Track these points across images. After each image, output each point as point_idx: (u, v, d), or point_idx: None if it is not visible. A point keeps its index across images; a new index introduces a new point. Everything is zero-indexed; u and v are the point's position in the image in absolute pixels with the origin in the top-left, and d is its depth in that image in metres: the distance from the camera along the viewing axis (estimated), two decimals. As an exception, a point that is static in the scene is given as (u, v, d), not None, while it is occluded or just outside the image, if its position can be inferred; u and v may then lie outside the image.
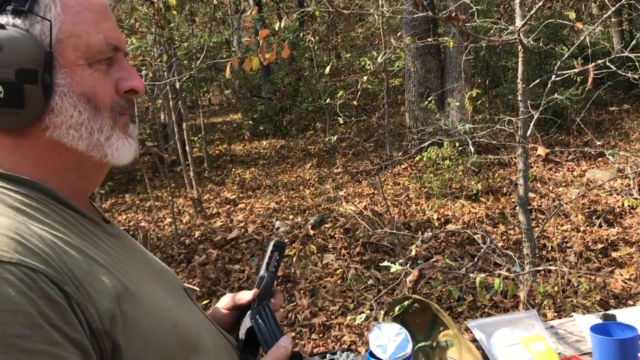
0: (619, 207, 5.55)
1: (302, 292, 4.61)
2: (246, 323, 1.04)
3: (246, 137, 12.73)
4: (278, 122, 12.42)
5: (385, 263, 2.46)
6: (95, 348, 0.67)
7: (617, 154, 4.96)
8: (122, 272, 0.77)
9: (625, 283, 4.20)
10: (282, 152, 10.80)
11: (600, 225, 5.22)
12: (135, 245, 0.97)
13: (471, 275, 2.56)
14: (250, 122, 12.88)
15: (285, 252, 1.19)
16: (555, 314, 3.41)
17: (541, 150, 2.62)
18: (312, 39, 9.77)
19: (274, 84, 13.07)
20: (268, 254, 1.14)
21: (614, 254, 4.67)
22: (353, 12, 2.98)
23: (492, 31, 2.89)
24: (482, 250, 2.68)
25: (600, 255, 4.69)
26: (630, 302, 3.89)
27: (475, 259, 2.77)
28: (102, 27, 0.81)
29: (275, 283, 1.17)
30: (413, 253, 2.51)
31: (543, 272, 3.85)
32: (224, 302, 1.13)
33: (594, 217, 5.39)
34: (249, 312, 1.06)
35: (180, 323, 0.81)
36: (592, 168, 6.91)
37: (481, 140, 2.96)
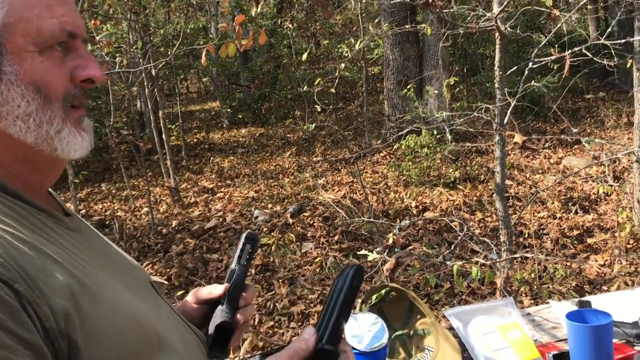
0: (594, 193, 5.62)
1: (280, 280, 4.59)
2: (216, 319, 1.00)
3: (224, 126, 12.62)
4: (257, 110, 12.32)
5: (363, 251, 2.44)
6: (50, 348, 0.64)
7: (592, 141, 5.01)
8: (79, 268, 0.73)
9: (600, 269, 4.26)
10: (261, 141, 10.73)
11: (576, 212, 5.28)
12: (97, 239, 0.93)
13: (448, 263, 2.56)
14: (229, 110, 12.77)
15: (258, 244, 1.16)
16: (532, 301, 3.44)
17: (518, 138, 2.62)
18: (290, 25, 9.67)
19: (253, 72, 12.96)
20: (240, 246, 1.11)
21: (589, 240, 4.73)
22: (329, -3, 2.94)
23: (469, 18, 2.88)
24: (460, 237, 2.68)
25: (576, 242, 4.75)
26: (605, 288, 3.94)
27: (453, 246, 2.78)
28: (57, 11, 0.75)
29: (247, 276, 1.14)
30: (390, 241, 2.50)
31: (520, 258, 3.89)
32: (194, 296, 1.09)
33: (569, 204, 5.45)
34: (219, 307, 1.03)
35: (144, 320, 0.78)
36: (569, 155, 6.98)
37: (459, 128, 2.95)
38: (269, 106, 12.23)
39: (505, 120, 2.90)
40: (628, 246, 4.46)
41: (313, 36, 14.87)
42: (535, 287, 3.75)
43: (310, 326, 0.87)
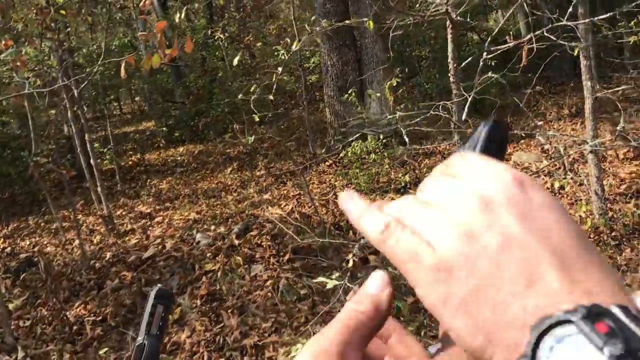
0: (548, 188, 5.47)
1: (229, 310, 4.18)
2: None
3: (161, 145, 12.05)
4: (194, 127, 11.84)
5: (320, 278, 2.11)
6: None
7: (546, 134, 4.86)
8: None
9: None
10: (201, 158, 10.25)
11: (532, 209, 5.10)
12: None
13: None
14: (165, 128, 12.22)
15: (172, 303, 0.80)
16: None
17: (481, 135, 2.35)
18: (222, 36, 9.27)
19: (187, 88, 12.46)
20: (148, 309, 0.75)
21: (550, 237, 4.54)
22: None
23: (417, 6, 2.61)
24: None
25: (536, 240, 4.55)
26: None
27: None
28: None
29: (160, 350, 0.78)
30: (350, 264, 2.18)
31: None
32: None
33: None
34: None
35: None
36: (517, 151, 6.87)
37: (415, 129, 2.66)
38: (207, 122, 11.77)
39: (464, 117, 2.63)
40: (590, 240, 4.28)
41: (247, 47, 14.53)
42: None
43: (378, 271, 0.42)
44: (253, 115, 3.72)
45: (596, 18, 2.35)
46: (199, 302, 4.41)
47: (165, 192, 8.28)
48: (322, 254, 4.79)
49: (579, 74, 8.12)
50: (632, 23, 4.30)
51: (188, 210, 6.93)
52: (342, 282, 2.03)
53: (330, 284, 2.02)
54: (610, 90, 4.18)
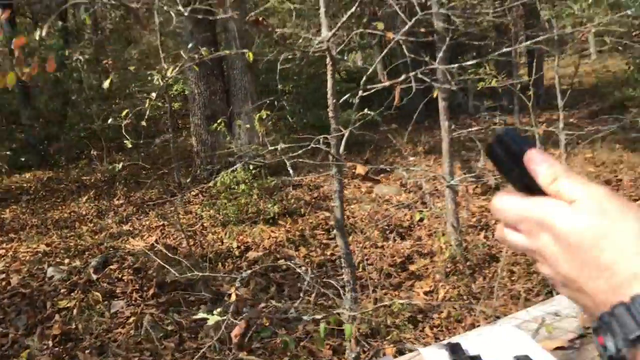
0: (407, 220, 5.80)
1: (87, 351, 3.85)
2: None
3: (3, 170, 10.98)
4: (43, 152, 10.96)
5: (200, 314, 2.01)
6: None
7: (411, 169, 5.16)
8: None
9: (427, 295, 4.31)
10: (50, 185, 9.48)
11: (394, 240, 5.36)
12: None
13: (304, 317, 2.24)
14: (9, 152, 11.16)
15: None
16: (387, 343, 3.26)
17: (360, 169, 2.43)
18: (81, 57, 8.75)
19: (36, 109, 11.53)
20: None
21: (412, 267, 4.79)
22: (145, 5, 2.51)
23: (300, 40, 2.66)
24: (306, 282, 2.39)
25: (399, 270, 4.77)
26: (436, 315, 3.95)
27: (302, 294, 2.48)
28: None
29: None
30: (233, 298, 2.10)
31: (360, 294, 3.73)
32: None
33: (387, 232, 5.54)
34: None
35: None
36: (378, 184, 7.20)
37: (300, 161, 2.69)
38: (59, 147, 10.96)
39: (341, 151, 2.71)
40: (447, 269, 4.58)
41: (105, 72, 13.86)
42: (373, 323, 3.60)
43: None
44: (123, 142, 3.53)
45: (465, 64, 2.58)
46: (50, 343, 4.02)
47: (8, 221, 7.52)
48: (190, 288, 4.62)
49: (431, 114, 8.74)
50: (482, 70, 4.74)
51: (37, 242, 6.34)
52: (225, 317, 1.96)
53: (212, 319, 1.94)
54: (465, 131, 4.57)
